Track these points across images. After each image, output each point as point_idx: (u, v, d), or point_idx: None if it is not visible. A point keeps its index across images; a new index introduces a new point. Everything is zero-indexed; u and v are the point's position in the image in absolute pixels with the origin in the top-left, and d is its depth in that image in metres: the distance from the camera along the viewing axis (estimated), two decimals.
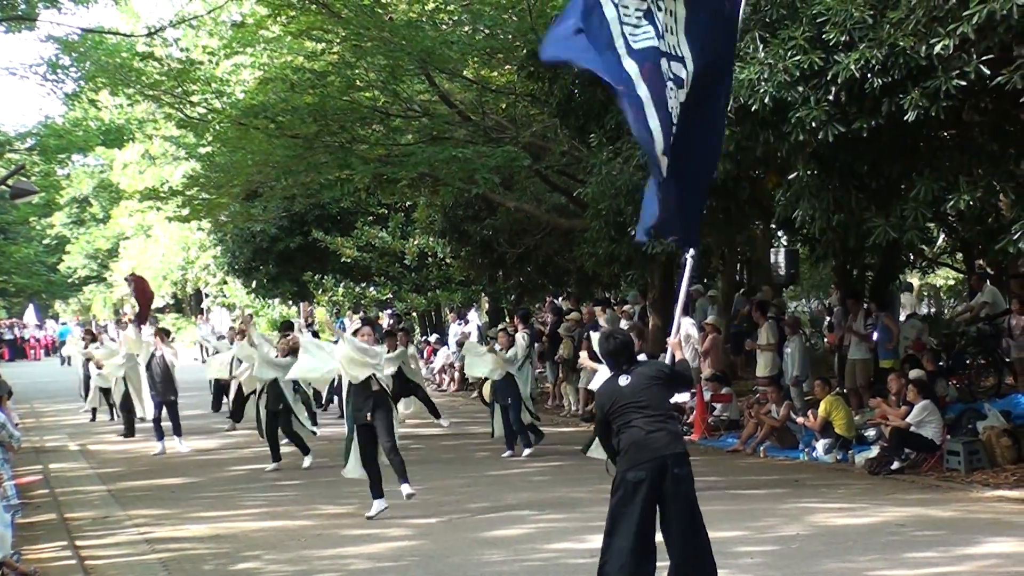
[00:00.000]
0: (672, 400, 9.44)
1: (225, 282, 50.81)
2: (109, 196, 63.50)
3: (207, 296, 57.37)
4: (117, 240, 66.97)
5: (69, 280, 72.72)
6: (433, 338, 35.04)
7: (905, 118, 12.00)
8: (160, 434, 19.87)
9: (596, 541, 11.38)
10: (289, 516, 13.57)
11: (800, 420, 17.35)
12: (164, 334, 20.77)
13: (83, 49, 25.18)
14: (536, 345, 23.93)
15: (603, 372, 13.10)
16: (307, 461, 17.53)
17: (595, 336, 13.52)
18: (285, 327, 21.11)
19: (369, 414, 13.01)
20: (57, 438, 23.30)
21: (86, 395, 26.84)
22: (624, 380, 8.47)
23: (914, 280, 29.15)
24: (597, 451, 17.44)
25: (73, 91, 27.02)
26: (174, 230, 51.28)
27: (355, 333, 13.29)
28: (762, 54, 12.95)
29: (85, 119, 32.03)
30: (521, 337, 19.53)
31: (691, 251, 9.00)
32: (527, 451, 18.12)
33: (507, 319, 34.16)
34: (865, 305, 19.46)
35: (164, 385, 19.75)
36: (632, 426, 8.20)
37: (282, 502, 14.73)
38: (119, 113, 32.60)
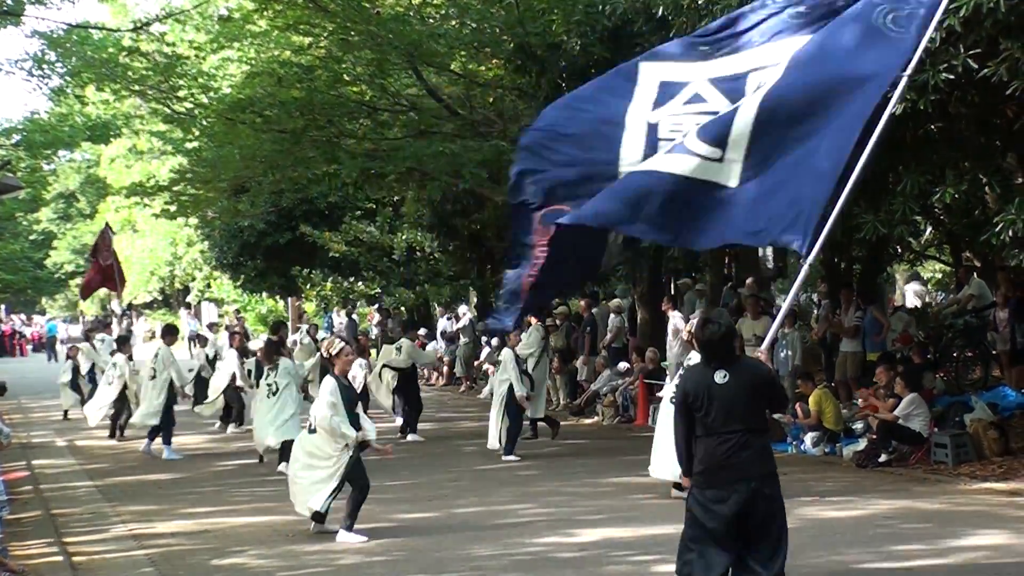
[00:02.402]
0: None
1: (213, 277, 50.74)
2: (96, 191, 63.36)
3: (189, 291, 57.32)
4: None
5: (56, 276, 72.57)
6: (422, 332, 35.01)
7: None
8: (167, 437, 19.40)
9: (584, 535, 11.44)
10: (277, 511, 13.52)
11: (788, 418, 17.36)
12: (172, 332, 20.53)
13: (69, 44, 25.08)
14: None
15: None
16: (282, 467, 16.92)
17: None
18: (276, 328, 20.80)
19: None
20: (44, 434, 23.23)
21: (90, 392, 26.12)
22: (721, 377, 7.42)
23: (901, 272, 29.19)
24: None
25: (59, 86, 26.94)
26: (161, 225, 51.20)
27: (337, 355, 11.94)
28: None
29: (71, 114, 31.94)
30: (535, 329, 19.48)
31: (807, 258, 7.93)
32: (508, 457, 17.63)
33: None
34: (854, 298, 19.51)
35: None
36: (718, 437, 7.36)
37: (270, 497, 14.68)
38: (105, 108, 32.48)
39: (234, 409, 22.29)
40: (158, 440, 19.13)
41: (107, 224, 34.57)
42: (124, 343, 22.61)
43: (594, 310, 25.38)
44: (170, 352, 19.51)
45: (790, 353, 19.23)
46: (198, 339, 28.23)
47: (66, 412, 26.04)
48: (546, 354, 19.81)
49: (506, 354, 18.13)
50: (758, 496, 7.39)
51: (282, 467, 16.24)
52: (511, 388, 17.62)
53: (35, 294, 78.48)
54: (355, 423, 11.68)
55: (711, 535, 7.41)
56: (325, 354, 12.37)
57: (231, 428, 22.23)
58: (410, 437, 20.25)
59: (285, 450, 16.42)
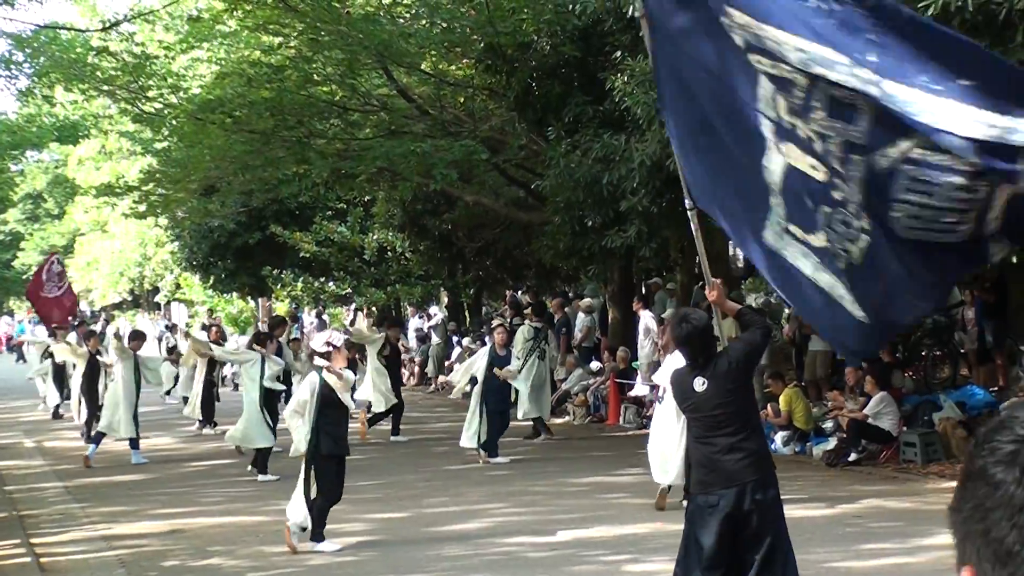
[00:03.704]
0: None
1: (183, 278, 50.50)
2: (64, 192, 62.98)
3: (158, 291, 57.06)
4: (72, 236, 66.47)
5: (24, 277, 72.10)
6: None
7: None
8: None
9: (556, 535, 11.43)
10: (247, 512, 13.51)
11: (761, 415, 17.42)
12: (141, 337, 20.42)
13: (37, 45, 24.92)
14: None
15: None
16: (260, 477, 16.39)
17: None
18: (276, 325, 20.53)
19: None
20: (12, 435, 23.07)
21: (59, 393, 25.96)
22: (700, 384, 7.21)
23: None
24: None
25: (27, 87, 26.77)
26: (131, 226, 50.93)
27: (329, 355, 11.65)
28: None
29: (39, 115, 31.77)
30: (523, 330, 19.39)
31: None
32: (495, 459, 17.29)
33: (467, 314, 34.18)
34: None
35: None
36: (705, 442, 7.19)
37: (240, 498, 14.66)
38: (74, 109, 32.32)
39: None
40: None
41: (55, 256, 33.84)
42: (91, 336, 22.33)
43: (567, 309, 25.41)
44: (138, 356, 19.34)
45: None
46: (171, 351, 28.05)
47: (56, 408, 25.77)
48: (536, 355, 19.55)
49: (481, 352, 18.11)
50: (750, 502, 6.98)
51: (261, 478, 16.12)
52: (484, 388, 17.44)
53: (2, 295, 77.99)
54: (336, 421, 11.56)
55: (700, 555, 7.08)
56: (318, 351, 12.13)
57: (207, 430, 22.12)
58: (393, 439, 20.13)
59: (260, 458, 16.35)
